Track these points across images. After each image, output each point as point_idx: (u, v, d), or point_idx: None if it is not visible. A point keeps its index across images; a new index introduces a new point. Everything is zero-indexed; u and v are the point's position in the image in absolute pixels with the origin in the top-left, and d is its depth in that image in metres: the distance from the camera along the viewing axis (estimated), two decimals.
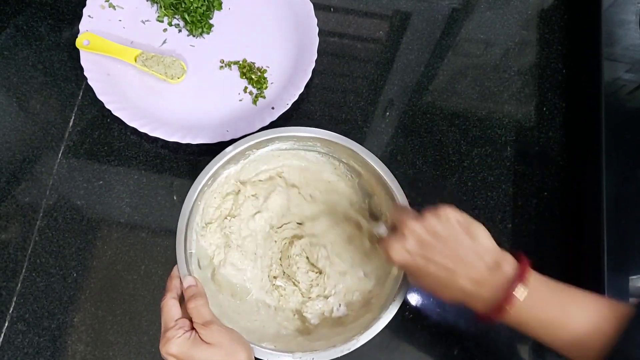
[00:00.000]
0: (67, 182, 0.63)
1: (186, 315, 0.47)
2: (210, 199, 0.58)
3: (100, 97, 0.64)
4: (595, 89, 0.65)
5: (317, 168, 0.61)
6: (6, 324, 0.57)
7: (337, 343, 0.50)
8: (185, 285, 0.49)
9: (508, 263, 0.44)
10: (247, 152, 0.57)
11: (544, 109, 0.71)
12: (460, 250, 0.44)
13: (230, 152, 0.55)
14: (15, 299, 0.58)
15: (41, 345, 0.56)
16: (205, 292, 0.49)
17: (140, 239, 0.61)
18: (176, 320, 0.45)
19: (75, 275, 0.59)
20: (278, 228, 0.61)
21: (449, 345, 0.59)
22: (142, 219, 0.62)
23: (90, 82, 0.64)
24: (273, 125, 0.64)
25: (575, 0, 0.76)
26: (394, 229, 0.49)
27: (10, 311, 0.57)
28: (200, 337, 0.44)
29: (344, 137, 0.57)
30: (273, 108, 0.65)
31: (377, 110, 0.70)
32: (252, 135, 0.56)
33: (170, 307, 0.46)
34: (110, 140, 0.65)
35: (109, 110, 0.63)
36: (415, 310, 0.60)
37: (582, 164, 0.67)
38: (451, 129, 0.69)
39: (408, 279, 0.51)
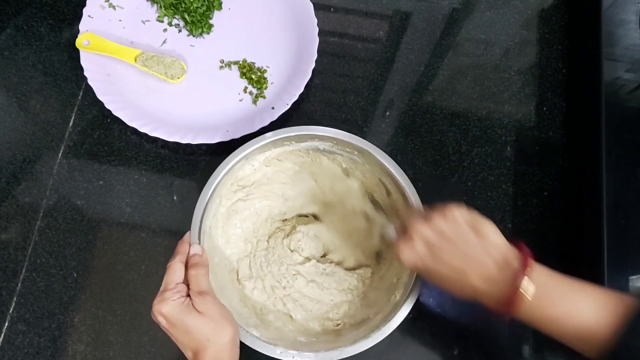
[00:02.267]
0: (67, 182, 0.63)
1: (187, 282, 0.48)
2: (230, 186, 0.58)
3: (100, 97, 0.64)
4: (595, 89, 0.65)
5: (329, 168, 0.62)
6: (6, 324, 0.57)
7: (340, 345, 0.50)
8: (191, 252, 0.50)
9: (515, 258, 0.44)
10: (284, 142, 0.57)
11: (544, 108, 0.71)
12: (469, 250, 0.44)
13: (270, 137, 0.55)
14: (15, 299, 0.58)
15: (41, 345, 0.56)
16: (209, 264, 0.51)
17: (140, 239, 0.61)
18: (176, 283, 0.47)
19: (75, 275, 0.59)
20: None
21: (449, 345, 0.59)
22: (142, 219, 0.62)
23: (90, 82, 0.64)
24: (273, 125, 0.64)
25: (576, 0, 0.76)
26: (404, 231, 0.49)
27: (11, 311, 0.57)
28: (193, 304, 0.45)
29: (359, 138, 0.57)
30: (273, 108, 0.65)
31: (377, 110, 0.70)
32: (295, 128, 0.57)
33: (175, 270, 0.48)
34: (111, 140, 0.65)
35: (109, 110, 0.63)
36: (416, 310, 0.60)
37: (582, 164, 0.67)
38: (451, 129, 0.69)
39: (422, 277, 0.51)
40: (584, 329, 0.41)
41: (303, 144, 0.58)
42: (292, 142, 0.57)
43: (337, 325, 0.56)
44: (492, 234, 0.45)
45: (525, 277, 0.42)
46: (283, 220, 0.63)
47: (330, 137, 0.56)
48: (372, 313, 0.54)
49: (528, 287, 0.42)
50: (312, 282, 0.58)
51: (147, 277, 0.59)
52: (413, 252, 0.46)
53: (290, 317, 0.56)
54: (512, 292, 0.42)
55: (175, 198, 0.63)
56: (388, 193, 0.59)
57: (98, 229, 0.61)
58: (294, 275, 0.58)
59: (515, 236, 0.64)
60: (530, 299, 0.42)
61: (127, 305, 0.58)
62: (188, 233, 0.52)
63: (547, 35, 0.75)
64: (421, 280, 0.51)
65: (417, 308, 0.60)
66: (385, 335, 0.49)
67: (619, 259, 0.56)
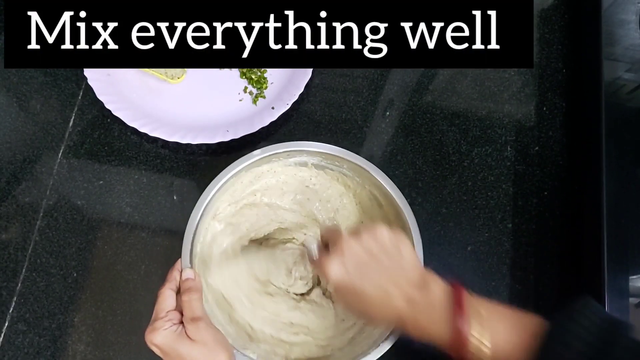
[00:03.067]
0: (67, 182, 0.63)
1: (180, 308, 0.47)
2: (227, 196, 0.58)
3: (100, 97, 0.64)
4: (595, 89, 0.65)
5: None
6: (6, 324, 0.57)
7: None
8: (183, 277, 0.50)
9: (436, 283, 0.44)
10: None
11: (544, 108, 0.71)
12: (392, 269, 0.45)
13: (258, 155, 0.55)
14: (15, 299, 0.58)
15: (41, 345, 0.56)
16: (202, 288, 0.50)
17: (140, 239, 0.61)
18: (167, 311, 0.46)
19: (75, 275, 0.59)
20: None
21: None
22: (142, 219, 0.62)
23: (90, 82, 0.64)
24: (273, 124, 0.64)
25: (576, 0, 0.76)
26: (325, 247, 0.49)
27: (11, 311, 0.57)
28: (186, 332, 0.45)
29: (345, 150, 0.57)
30: (273, 108, 0.65)
31: (377, 110, 0.70)
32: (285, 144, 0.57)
33: (166, 298, 0.47)
34: (111, 140, 0.65)
35: (109, 110, 0.63)
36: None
37: (582, 163, 0.67)
38: (451, 129, 0.69)
39: (337, 301, 0.50)
40: (497, 354, 0.41)
41: (292, 159, 0.58)
42: (280, 158, 0.57)
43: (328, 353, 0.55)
44: (408, 253, 0.46)
45: (462, 317, 0.41)
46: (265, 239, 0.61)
47: (320, 152, 0.56)
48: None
49: (482, 336, 0.41)
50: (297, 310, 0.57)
51: (147, 277, 0.59)
52: (341, 268, 0.45)
53: (282, 340, 0.56)
54: (456, 333, 0.41)
55: (175, 198, 0.63)
56: (380, 205, 0.59)
57: (98, 229, 0.61)
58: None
59: (515, 236, 0.64)
60: (489, 352, 0.41)
61: (127, 305, 0.58)
62: (179, 261, 0.51)
63: (547, 35, 0.75)
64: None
65: None
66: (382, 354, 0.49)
67: (619, 259, 0.56)
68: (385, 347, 0.49)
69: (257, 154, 0.55)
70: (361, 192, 0.60)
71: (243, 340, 0.53)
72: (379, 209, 0.59)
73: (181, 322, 0.46)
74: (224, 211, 0.58)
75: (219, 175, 0.54)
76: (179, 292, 0.49)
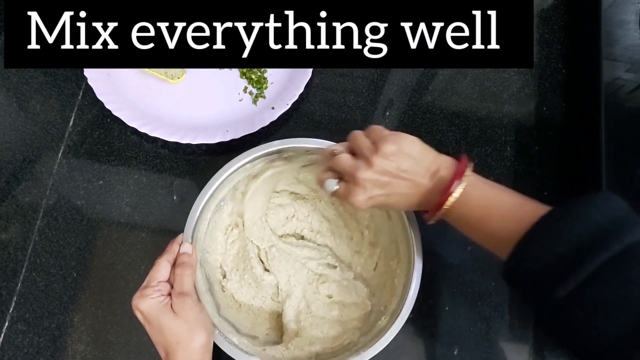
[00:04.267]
0: (67, 182, 0.63)
1: (172, 280, 0.49)
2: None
3: (100, 97, 0.64)
4: (595, 89, 0.65)
5: None
6: (6, 324, 0.57)
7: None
8: (181, 250, 0.51)
9: (445, 167, 0.46)
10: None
11: (544, 108, 0.71)
12: (409, 175, 0.46)
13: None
14: (15, 298, 0.58)
15: (41, 345, 0.56)
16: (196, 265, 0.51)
17: (140, 239, 0.61)
18: (159, 281, 0.47)
19: (75, 275, 0.59)
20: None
21: (449, 345, 0.59)
22: (142, 219, 0.62)
23: (90, 82, 0.64)
24: (273, 124, 0.64)
25: (575, 0, 0.76)
26: (334, 173, 0.49)
27: (11, 311, 0.57)
28: (171, 304, 0.46)
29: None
30: (273, 108, 0.65)
31: (377, 110, 0.70)
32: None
33: (160, 268, 0.48)
34: (110, 140, 0.65)
35: (109, 110, 0.63)
36: (415, 310, 0.60)
37: (582, 164, 0.67)
38: (451, 129, 0.69)
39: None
40: (492, 235, 0.44)
41: (304, 157, 0.58)
42: (292, 153, 0.57)
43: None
44: (421, 151, 0.47)
45: (456, 182, 0.44)
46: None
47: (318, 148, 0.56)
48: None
49: (456, 188, 0.44)
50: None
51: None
52: (366, 197, 0.47)
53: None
54: (442, 194, 0.45)
55: (175, 198, 0.63)
56: None
57: (98, 229, 0.61)
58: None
59: None
60: (453, 200, 0.45)
61: (127, 305, 0.58)
62: (181, 235, 0.52)
63: (546, 35, 0.75)
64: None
65: (417, 309, 0.60)
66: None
67: None
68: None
69: (277, 144, 0.55)
70: None
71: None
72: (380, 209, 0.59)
73: (169, 295, 0.47)
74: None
75: (233, 160, 0.54)
76: (173, 265, 0.50)
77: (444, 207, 0.45)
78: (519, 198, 0.45)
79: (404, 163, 0.46)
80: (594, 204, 0.39)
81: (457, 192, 0.45)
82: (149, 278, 0.48)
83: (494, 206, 0.44)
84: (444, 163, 0.47)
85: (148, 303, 0.45)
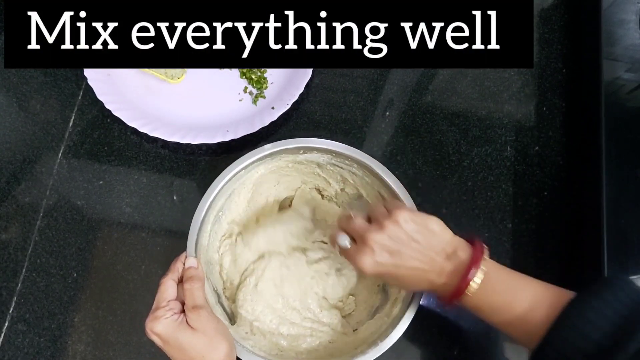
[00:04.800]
0: (67, 182, 0.63)
1: (181, 298, 0.47)
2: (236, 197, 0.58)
3: (100, 97, 0.64)
4: (595, 89, 0.65)
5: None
6: (6, 324, 0.57)
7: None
8: (186, 265, 0.50)
9: (463, 250, 0.46)
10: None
11: (544, 108, 0.71)
12: (422, 249, 0.46)
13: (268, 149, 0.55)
14: (15, 299, 0.58)
15: (41, 346, 0.56)
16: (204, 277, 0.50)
17: (140, 239, 0.61)
18: (168, 301, 0.46)
19: (75, 275, 0.59)
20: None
21: (449, 345, 0.59)
22: (142, 219, 0.62)
23: (90, 82, 0.64)
24: (273, 124, 0.64)
25: (576, 0, 0.76)
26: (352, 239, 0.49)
27: (11, 311, 0.57)
28: (187, 320, 0.45)
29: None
30: (273, 108, 0.65)
31: (377, 110, 0.70)
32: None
33: (167, 287, 0.47)
34: (111, 140, 0.65)
35: (109, 110, 0.63)
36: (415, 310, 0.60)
37: (582, 163, 0.67)
38: (451, 129, 0.69)
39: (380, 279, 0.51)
40: (521, 319, 0.43)
41: (301, 157, 0.58)
42: (290, 154, 0.57)
43: (330, 342, 0.55)
44: (441, 231, 0.47)
45: (475, 269, 0.44)
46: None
47: (330, 149, 0.56)
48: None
49: (479, 277, 0.44)
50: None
51: (147, 277, 0.59)
52: (374, 260, 0.46)
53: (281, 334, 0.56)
54: (461, 282, 0.44)
55: (175, 198, 0.63)
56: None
57: (98, 229, 0.61)
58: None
59: (515, 236, 0.64)
60: (476, 286, 0.44)
61: (127, 305, 0.58)
62: (184, 253, 0.51)
63: (546, 35, 0.75)
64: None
65: (418, 308, 0.60)
66: (383, 352, 0.49)
67: (619, 259, 0.56)
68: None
69: (268, 148, 0.55)
70: (370, 192, 0.59)
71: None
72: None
73: (182, 312, 0.46)
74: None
75: (231, 166, 0.54)
76: (180, 282, 0.49)
77: (467, 292, 0.44)
78: (540, 283, 0.45)
79: (417, 234, 0.45)
80: (620, 289, 0.40)
81: (478, 278, 0.44)
82: (157, 300, 0.46)
83: (519, 291, 0.44)
84: (461, 245, 0.46)
85: (163, 324, 0.44)
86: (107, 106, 0.63)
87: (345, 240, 0.48)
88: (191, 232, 0.52)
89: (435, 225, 0.47)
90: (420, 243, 0.45)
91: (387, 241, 0.45)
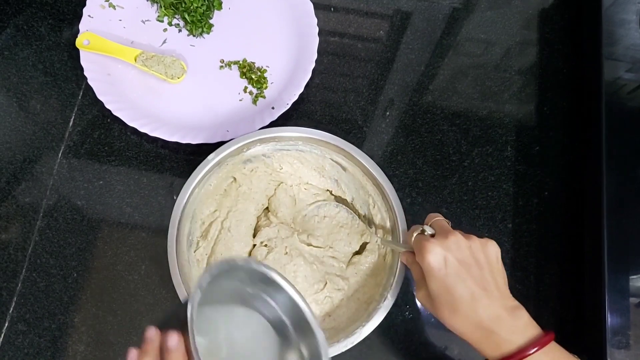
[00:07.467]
0: (67, 182, 0.63)
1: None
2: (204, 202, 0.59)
3: (100, 97, 0.64)
4: (595, 89, 0.65)
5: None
6: (6, 324, 0.57)
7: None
8: (168, 343, 0.38)
9: (523, 311, 0.44)
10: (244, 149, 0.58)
11: (545, 108, 0.71)
12: (490, 284, 0.44)
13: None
14: (15, 299, 0.58)
15: (41, 346, 0.56)
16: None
17: (141, 239, 0.61)
18: None
19: (75, 275, 0.59)
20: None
21: (448, 345, 0.59)
22: (142, 219, 0.62)
23: (90, 82, 0.64)
24: (273, 124, 0.64)
25: (576, 0, 0.76)
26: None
27: (11, 311, 0.57)
28: None
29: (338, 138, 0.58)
30: (273, 108, 0.65)
31: (377, 110, 0.69)
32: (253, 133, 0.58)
33: None
34: (111, 140, 0.65)
35: (109, 110, 0.63)
36: (415, 310, 0.60)
37: (582, 163, 0.67)
38: (452, 129, 0.69)
39: (417, 295, 0.48)
40: None
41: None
42: (282, 141, 0.58)
43: None
44: (505, 283, 0.45)
45: (539, 347, 0.41)
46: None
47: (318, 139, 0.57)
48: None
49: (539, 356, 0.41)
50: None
51: (147, 277, 0.59)
52: (442, 258, 0.44)
53: None
54: (521, 351, 0.41)
55: (175, 198, 0.63)
56: (374, 205, 0.59)
57: (98, 229, 0.61)
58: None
59: (515, 236, 0.64)
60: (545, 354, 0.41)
61: (127, 305, 0.58)
62: (153, 329, 0.40)
63: (547, 35, 0.75)
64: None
65: (416, 308, 0.60)
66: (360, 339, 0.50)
67: (619, 259, 0.56)
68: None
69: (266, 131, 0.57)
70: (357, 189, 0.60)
71: None
72: (368, 209, 0.59)
73: None
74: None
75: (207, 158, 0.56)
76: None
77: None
78: None
79: (492, 266, 0.44)
80: None
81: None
82: None
83: None
84: (522, 308, 0.44)
85: None
86: (107, 106, 0.63)
87: (430, 230, 0.47)
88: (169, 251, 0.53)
89: (501, 277, 0.45)
90: (491, 277, 0.44)
91: (466, 251, 0.44)
